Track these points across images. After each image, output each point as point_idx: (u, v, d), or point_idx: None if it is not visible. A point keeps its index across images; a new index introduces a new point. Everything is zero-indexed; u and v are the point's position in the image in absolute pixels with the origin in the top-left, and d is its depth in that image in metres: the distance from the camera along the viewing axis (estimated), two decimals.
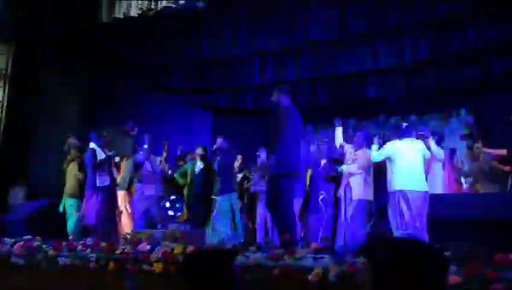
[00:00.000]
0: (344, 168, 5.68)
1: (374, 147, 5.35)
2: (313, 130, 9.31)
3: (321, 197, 5.94)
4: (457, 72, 7.37)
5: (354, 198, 5.48)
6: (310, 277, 3.37)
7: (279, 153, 4.35)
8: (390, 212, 5.02)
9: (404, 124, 5.78)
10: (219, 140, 6.29)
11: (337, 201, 5.85)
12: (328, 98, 8.45)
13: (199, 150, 6.72)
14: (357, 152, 5.67)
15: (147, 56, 7.38)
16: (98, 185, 5.67)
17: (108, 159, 5.85)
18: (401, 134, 5.30)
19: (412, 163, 4.98)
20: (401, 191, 4.85)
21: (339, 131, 6.05)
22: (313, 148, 6.53)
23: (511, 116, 5.41)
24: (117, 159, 6.43)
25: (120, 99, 7.86)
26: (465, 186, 6.36)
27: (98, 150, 5.77)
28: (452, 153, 6.69)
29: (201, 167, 6.65)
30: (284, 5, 6.71)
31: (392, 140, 5.48)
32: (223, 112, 9.30)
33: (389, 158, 5.11)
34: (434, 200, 4.74)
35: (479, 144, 6.07)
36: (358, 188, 5.51)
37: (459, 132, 8.02)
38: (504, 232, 3.27)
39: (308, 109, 7.76)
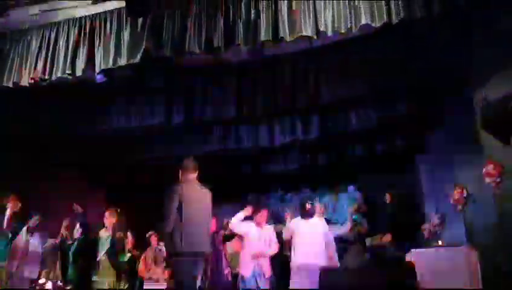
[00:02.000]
0: None
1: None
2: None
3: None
4: (345, 151, 8.02)
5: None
6: None
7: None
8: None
9: (309, 203, 6.09)
10: None
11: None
12: (228, 172, 8.61)
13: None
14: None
15: (39, 129, 6.98)
16: None
17: None
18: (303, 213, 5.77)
19: (310, 239, 5.38)
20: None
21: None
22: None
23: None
24: None
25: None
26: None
27: None
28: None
29: None
30: (182, 81, 6.89)
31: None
32: (117, 187, 8.95)
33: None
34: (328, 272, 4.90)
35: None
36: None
37: (348, 207, 8.54)
38: None
39: (207, 181, 7.82)
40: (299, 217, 5.97)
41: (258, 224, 5.96)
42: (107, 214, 5.67)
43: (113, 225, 5.58)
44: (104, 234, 5.61)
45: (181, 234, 4.21)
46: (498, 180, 4.97)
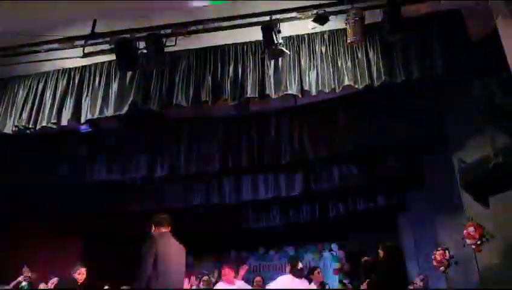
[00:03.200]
0: None
1: None
2: (192, 259, 9.10)
3: None
4: (327, 209, 8.01)
5: None
6: None
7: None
8: None
9: (301, 265, 5.99)
10: None
11: None
12: (211, 227, 8.48)
13: None
14: None
15: (13, 177, 6.85)
16: None
17: None
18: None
19: None
20: None
21: None
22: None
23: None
24: None
25: None
26: None
27: None
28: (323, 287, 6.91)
29: None
30: (168, 134, 6.92)
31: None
32: (95, 238, 8.71)
33: None
34: None
35: None
36: None
37: (331, 266, 8.43)
38: None
39: (189, 236, 7.67)
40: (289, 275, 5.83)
41: (228, 281, 5.84)
42: (82, 270, 5.50)
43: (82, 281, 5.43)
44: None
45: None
46: (479, 242, 5.00)
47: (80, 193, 7.54)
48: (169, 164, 6.84)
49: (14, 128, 5.41)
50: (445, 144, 5.85)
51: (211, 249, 9.29)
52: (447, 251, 5.73)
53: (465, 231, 5.22)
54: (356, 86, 4.71)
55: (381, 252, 5.39)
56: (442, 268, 5.76)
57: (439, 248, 5.83)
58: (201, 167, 6.85)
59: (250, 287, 6.17)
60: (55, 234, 8.29)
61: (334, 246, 8.98)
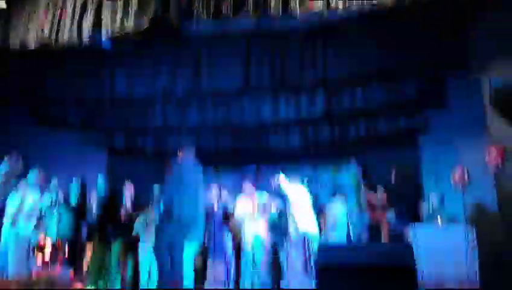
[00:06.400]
0: None
1: None
2: (213, 172, 9.40)
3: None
4: (348, 128, 8.02)
5: None
6: None
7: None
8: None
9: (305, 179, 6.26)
10: None
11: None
12: (230, 144, 8.63)
13: None
14: None
15: (42, 90, 6.96)
16: None
17: None
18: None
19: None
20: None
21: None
22: None
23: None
24: None
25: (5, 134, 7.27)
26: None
27: None
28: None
29: None
30: (189, 50, 6.84)
31: None
32: (119, 152, 9.01)
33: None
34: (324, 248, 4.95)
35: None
36: None
37: (348, 183, 8.58)
38: (381, 277, 3.53)
39: (210, 153, 7.88)
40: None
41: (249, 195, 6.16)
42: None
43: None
44: None
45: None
46: (500, 163, 4.99)
47: (102, 108, 7.70)
48: (189, 82, 6.84)
49: (36, 43, 5.42)
50: (472, 61, 5.67)
51: (230, 165, 9.52)
52: (466, 171, 5.76)
53: (487, 152, 5.21)
54: (386, 2, 4.51)
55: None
56: (459, 188, 5.82)
57: (458, 168, 5.86)
58: (221, 85, 6.84)
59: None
60: (80, 147, 8.58)
61: (351, 164, 9.09)
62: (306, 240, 5.48)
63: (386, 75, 6.69)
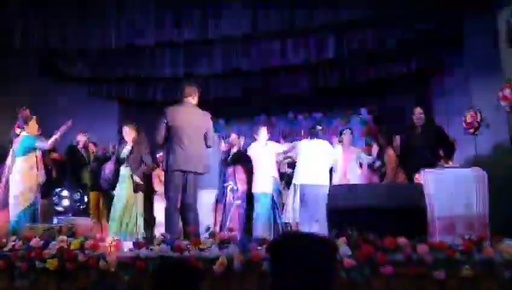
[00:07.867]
0: None
1: None
2: (224, 123, 9.40)
3: (229, 187, 6.16)
4: (358, 73, 7.86)
5: None
6: (214, 267, 3.39)
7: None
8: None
9: (319, 127, 6.22)
10: None
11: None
12: (240, 92, 8.56)
13: None
14: None
15: (48, 42, 6.86)
16: None
17: None
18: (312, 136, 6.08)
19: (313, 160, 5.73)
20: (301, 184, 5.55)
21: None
22: None
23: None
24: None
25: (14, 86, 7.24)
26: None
27: None
28: None
29: None
30: None
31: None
32: (130, 102, 9.00)
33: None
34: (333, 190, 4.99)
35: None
36: None
37: (359, 129, 8.54)
38: (392, 218, 3.58)
39: (220, 102, 7.83)
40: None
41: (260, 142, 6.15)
42: (127, 129, 5.67)
43: (134, 139, 5.61)
44: (125, 149, 5.66)
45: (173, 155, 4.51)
46: None
47: (109, 57, 7.62)
48: (196, 27, 6.68)
49: None
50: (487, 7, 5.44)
51: (239, 114, 9.48)
52: (478, 113, 5.66)
53: (500, 93, 5.10)
54: None
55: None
56: (471, 130, 5.75)
57: (470, 110, 5.76)
58: (229, 30, 6.67)
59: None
60: (91, 98, 8.58)
61: (362, 110, 9.00)
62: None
63: (397, 14, 6.46)
